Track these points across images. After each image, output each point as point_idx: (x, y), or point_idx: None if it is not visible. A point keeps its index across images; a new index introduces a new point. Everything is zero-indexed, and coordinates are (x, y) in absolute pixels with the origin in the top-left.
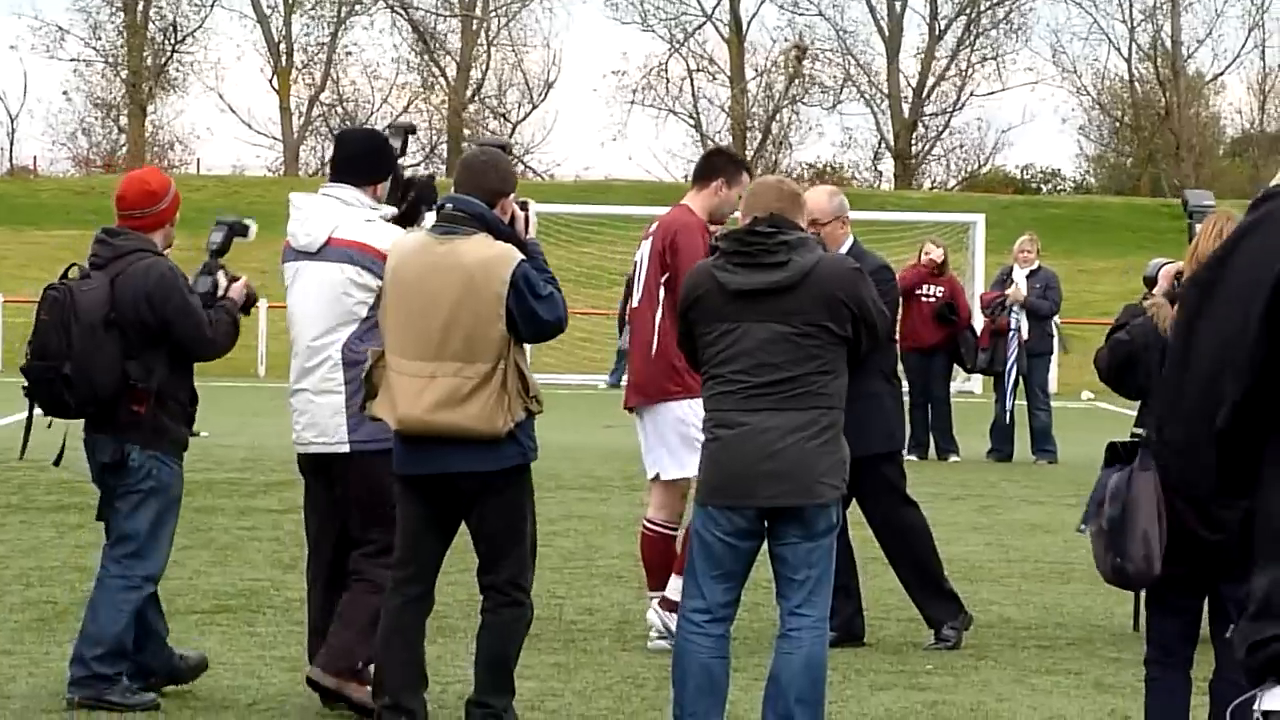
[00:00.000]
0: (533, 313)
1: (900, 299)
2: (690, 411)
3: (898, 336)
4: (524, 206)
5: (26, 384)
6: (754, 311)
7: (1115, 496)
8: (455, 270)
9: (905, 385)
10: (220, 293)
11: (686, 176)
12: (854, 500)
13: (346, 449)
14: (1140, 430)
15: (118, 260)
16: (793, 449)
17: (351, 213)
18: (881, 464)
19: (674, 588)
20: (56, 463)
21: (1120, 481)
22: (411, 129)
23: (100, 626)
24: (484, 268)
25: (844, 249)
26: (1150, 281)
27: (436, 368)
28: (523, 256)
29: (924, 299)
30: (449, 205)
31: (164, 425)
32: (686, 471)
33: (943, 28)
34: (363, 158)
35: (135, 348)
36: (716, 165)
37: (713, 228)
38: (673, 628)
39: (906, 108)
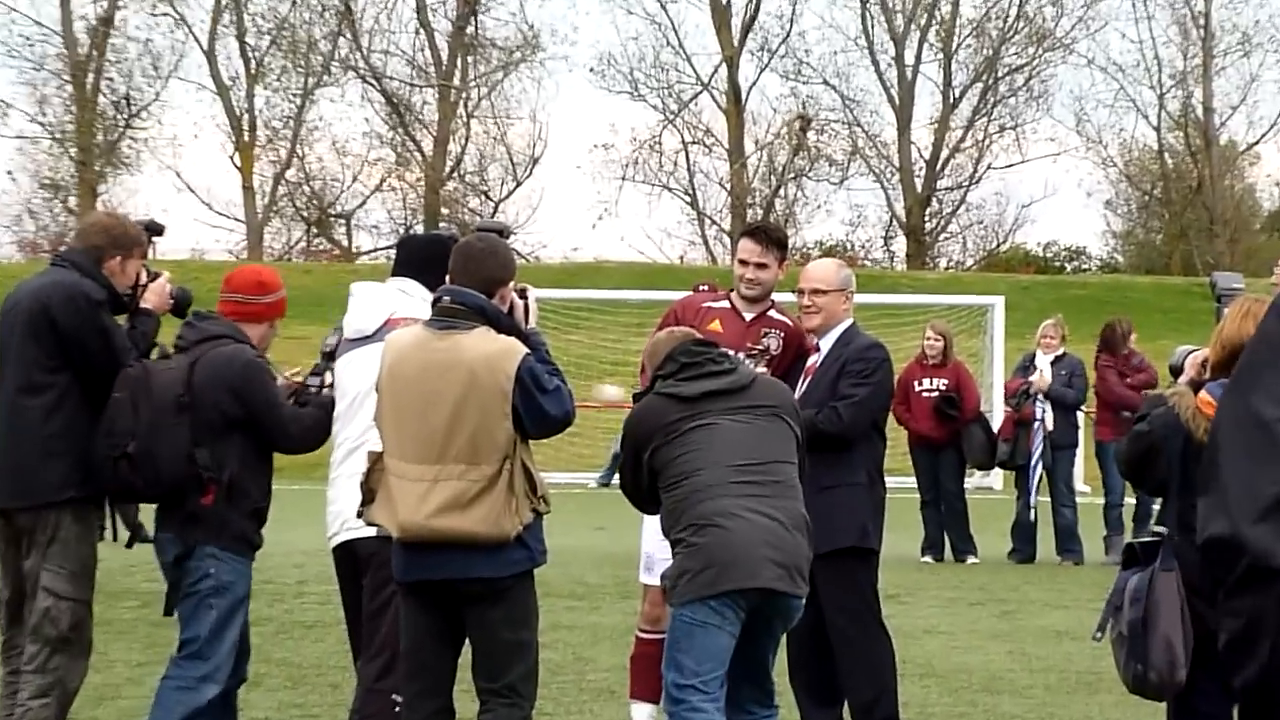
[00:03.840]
0: (540, 409)
1: (893, 387)
2: None
3: (904, 431)
4: (523, 294)
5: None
6: (718, 408)
7: (1136, 599)
8: (457, 367)
9: (915, 483)
10: (326, 388)
11: (683, 257)
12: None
13: (375, 531)
14: (1161, 529)
15: (201, 344)
16: (790, 538)
17: (413, 301)
18: (851, 563)
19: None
20: (129, 544)
21: (1140, 583)
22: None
23: None
24: (488, 364)
25: (840, 329)
26: (1176, 370)
27: (439, 471)
28: (527, 350)
29: (924, 394)
30: (446, 298)
31: (230, 520)
32: None
33: (957, 95)
34: (426, 260)
35: (206, 435)
36: None
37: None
38: None
39: (919, 182)
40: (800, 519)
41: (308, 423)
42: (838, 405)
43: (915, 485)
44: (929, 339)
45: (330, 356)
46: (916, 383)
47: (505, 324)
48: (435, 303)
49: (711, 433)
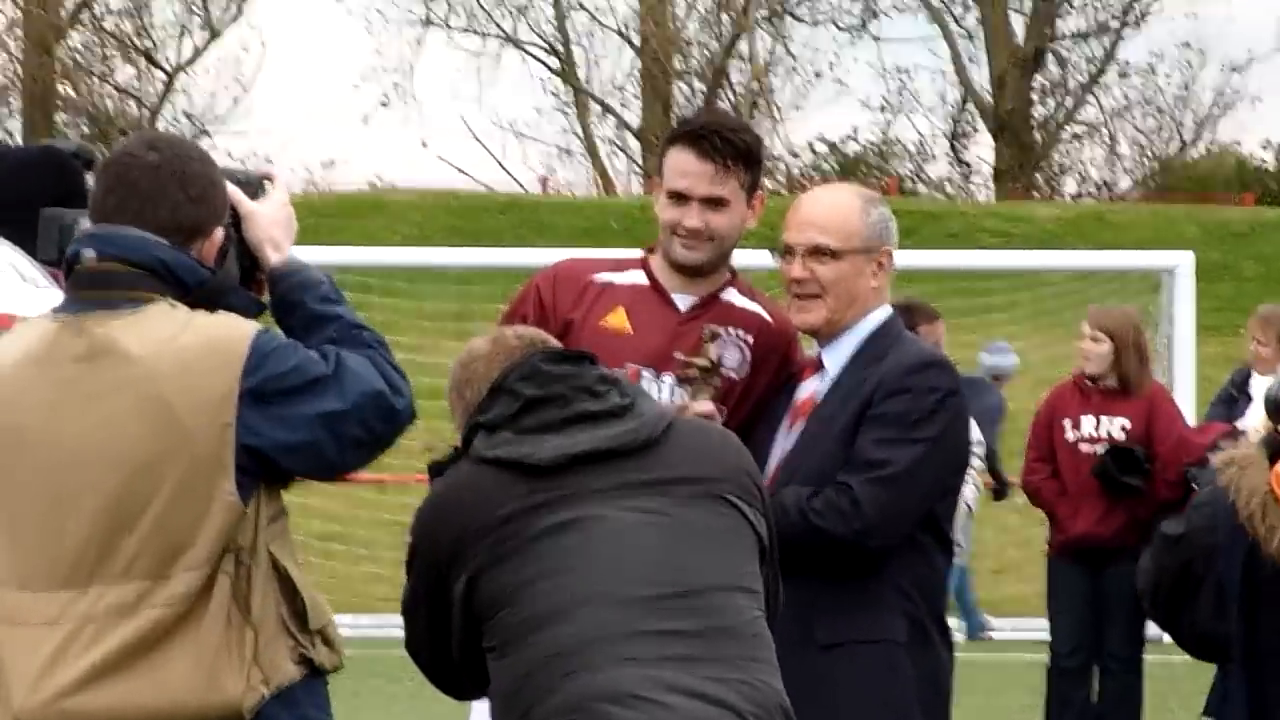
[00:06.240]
0: (313, 420)
1: (968, 446)
2: None
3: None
4: (257, 187)
5: None
6: (599, 487)
7: None
8: (117, 391)
9: (1048, 631)
10: None
11: (547, 180)
12: None
13: None
14: None
15: None
16: None
17: (14, 282)
18: None
19: None
20: None
21: None
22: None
23: None
24: (179, 373)
25: (864, 328)
26: (1275, 408)
27: (90, 602)
28: (259, 327)
29: (1080, 445)
30: (89, 251)
31: None
32: None
33: None
34: (29, 199)
35: None
36: None
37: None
38: None
39: (1021, 23)
40: (773, 701)
41: None
42: (851, 483)
43: (1048, 636)
44: (1087, 343)
45: None
46: (1070, 425)
47: (214, 284)
48: (71, 264)
49: (588, 536)
